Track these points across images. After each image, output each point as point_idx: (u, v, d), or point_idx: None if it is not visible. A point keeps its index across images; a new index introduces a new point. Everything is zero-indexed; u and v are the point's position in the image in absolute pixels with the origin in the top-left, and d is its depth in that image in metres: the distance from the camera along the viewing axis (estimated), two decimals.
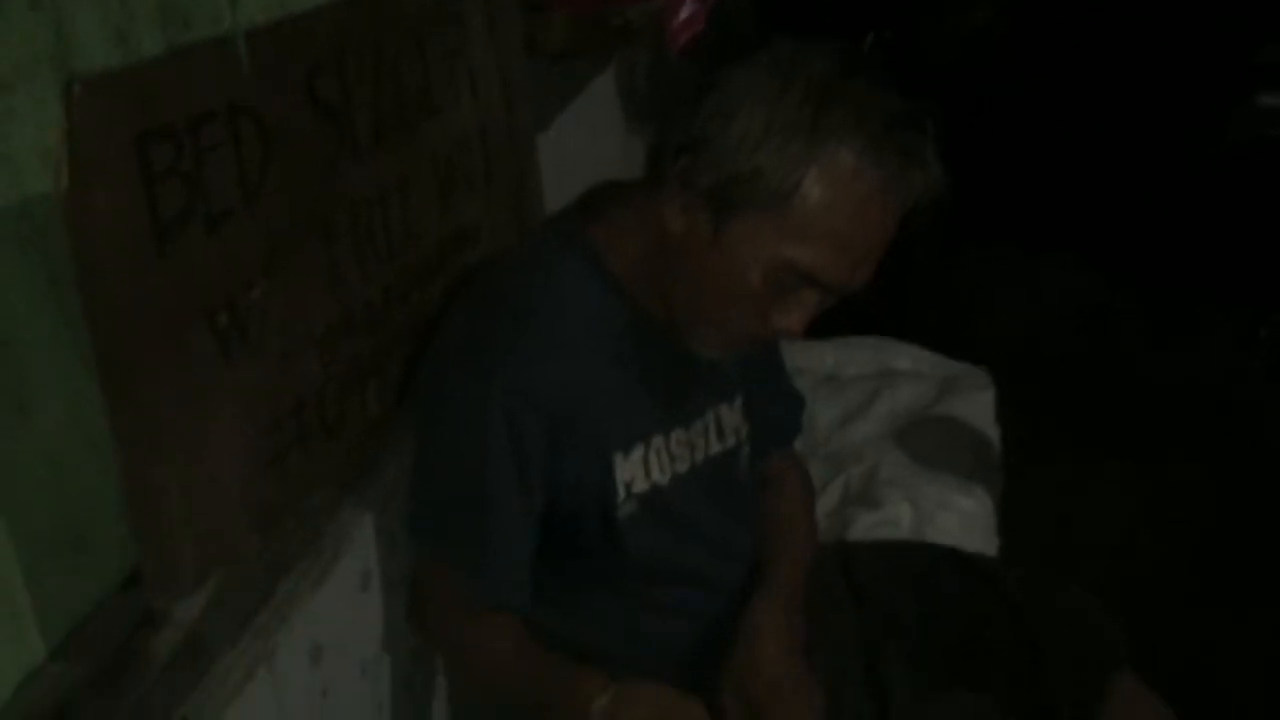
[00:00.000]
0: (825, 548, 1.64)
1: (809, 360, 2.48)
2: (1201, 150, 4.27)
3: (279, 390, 1.07)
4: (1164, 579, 2.40)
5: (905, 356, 2.55)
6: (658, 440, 1.27)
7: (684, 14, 2.09)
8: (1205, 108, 4.41)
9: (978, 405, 2.33)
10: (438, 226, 1.38)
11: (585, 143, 2.43)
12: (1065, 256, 3.77)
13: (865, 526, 1.93)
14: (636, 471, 1.25)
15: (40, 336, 0.93)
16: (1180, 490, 2.71)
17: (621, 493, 1.24)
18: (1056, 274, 3.74)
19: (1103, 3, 4.68)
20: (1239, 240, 3.75)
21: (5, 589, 0.91)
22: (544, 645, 1.22)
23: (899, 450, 2.18)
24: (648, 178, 1.18)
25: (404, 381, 1.31)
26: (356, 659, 1.26)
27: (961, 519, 1.97)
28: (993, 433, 2.27)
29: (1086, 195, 4.12)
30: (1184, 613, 2.29)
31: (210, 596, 1.08)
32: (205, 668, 1.03)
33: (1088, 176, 4.19)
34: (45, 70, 0.90)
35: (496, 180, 1.53)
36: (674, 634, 1.34)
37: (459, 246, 1.44)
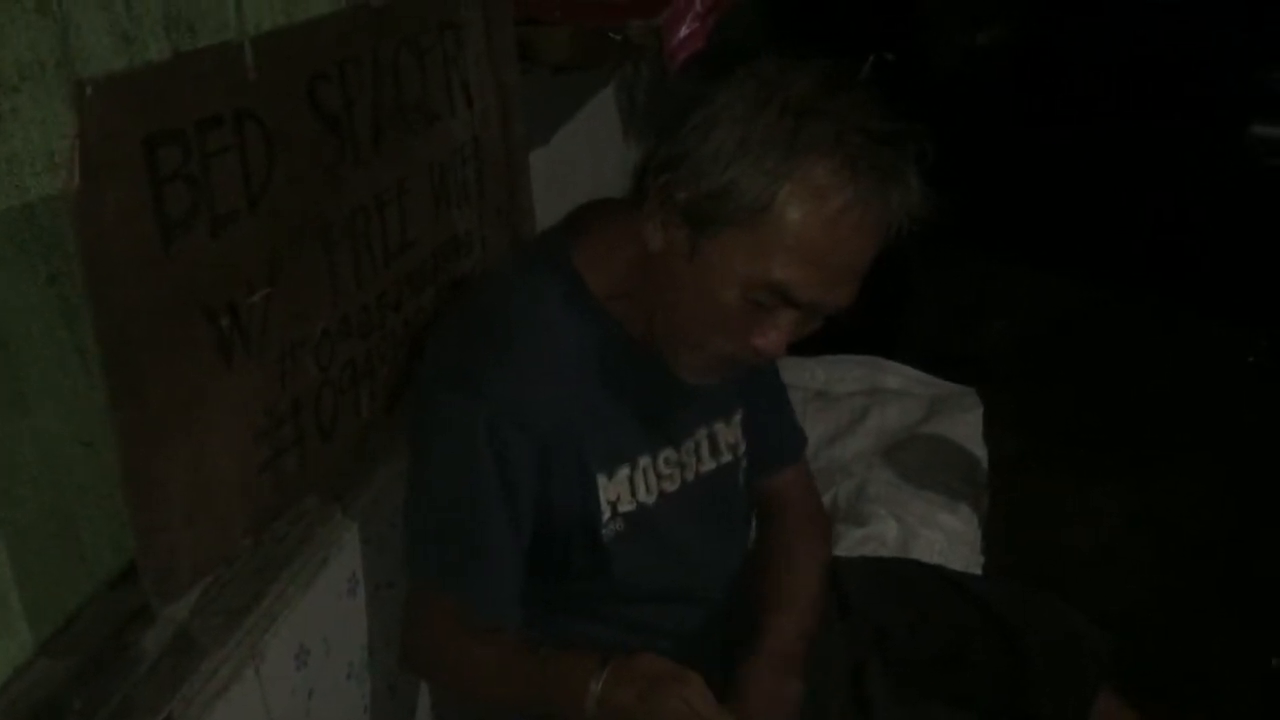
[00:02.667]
0: None
1: (800, 377, 2.49)
2: (1197, 173, 4.31)
3: (277, 393, 1.08)
4: (1152, 593, 2.42)
5: (895, 375, 2.57)
6: (644, 460, 1.27)
7: (683, 32, 2.10)
8: (1204, 132, 4.44)
9: (966, 425, 2.34)
10: (432, 235, 1.39)
11: (584, 157, 2.45)
12: (1059, 273, 3.80)
13: (852, 542, 1.94)
14: (622, 491, 1.25)
15: (39, 335, 0.94)
16: (1169, 505, 2.72)
17: (607, 512, 1.24)
18: (1049, 290, 3.76)
19: (1107, 26, 4.71)
20: (1231, 262, 3.78)
21: None
22: (533, 645, 1.20)
23: (887, 468, 2.19)
24: (633, 195, 1.17)
25: (394, 386, 1.31)
26: (343, 661, 1.27)
27: (947, 537, 1.99)
28: (980, 452, 2.29)
29: (1082, 212, 4.15)
30: (1172, 626, 2.30)
31: (199, 596, 1.09)
32: (193, 666, 1.03)
33: (1084, 194, 4.23)
34: (51, 72, 0.91)
35: (489, 192, 1.54)
36: (660, 652, 1.34)
37: (452, 256, 1.45)
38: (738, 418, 1.37)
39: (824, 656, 1.42)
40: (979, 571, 1.96)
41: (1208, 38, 4.55)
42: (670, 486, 1.30)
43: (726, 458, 1.36)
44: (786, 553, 1.43)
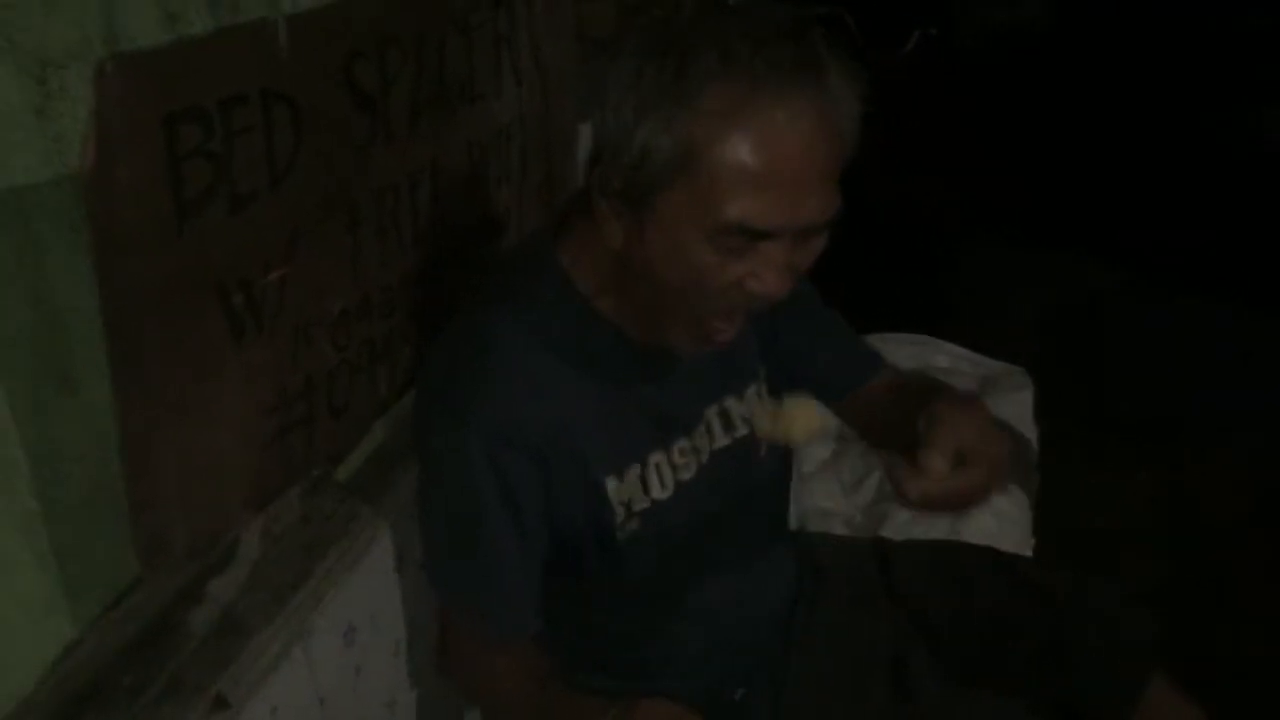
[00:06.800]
0: (861, 543, 1.63)
1: None
2: (1237, 154, 4.22)
3: (289, 371, 1.07)
4: (1199, 576, 2.38)
5: (945, 355, 2.54)
6: (656, 457, 1.23)
7: None
8: (1245, 112, 4.36)
9: (1016, 404, 2.31)
10: (466, 214, 1.37)
11: None
12: (1092, 255, 3.75)
13: (902, 522, 1.92)
14: (634, 492, 1.22)
15: (87, 313, 0.93)
16: (1201, 489, 2.68)
17: (620, 514, 1.21)
18: (1082, 272, 3.71)
19: (1147, 4, 4.63)
20: (1270, 246, 3.72)
21: (46, 562, 0.92)
22: (554, 676, 1.21)
23: None
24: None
25: (414, 365, 1.29)
26: (390, 638, 1.27)
27: (998, 519, 1.96)
28: (1030, 433, 2.26)
29: (1117, 194, 4.09)
30: (1221, 610, 2.27)
31: (248, 574, 1.09)
32: (241, 645, 1.04)
33: (1120, 176, 4.16)
34: (97, 50, 0.90)
35: (531, 170, 1.52)
36: (691, 633, 1.33)
37: (485, 236, 1.43)
38: (751, 390, 1.33)
39: (869, 639, 1.40)
40: (1029, 554, 1.94)
41: (1251, 16, 4.46)
42: (687, 475, 1.26)
43: (741, 431, 1.32)
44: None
